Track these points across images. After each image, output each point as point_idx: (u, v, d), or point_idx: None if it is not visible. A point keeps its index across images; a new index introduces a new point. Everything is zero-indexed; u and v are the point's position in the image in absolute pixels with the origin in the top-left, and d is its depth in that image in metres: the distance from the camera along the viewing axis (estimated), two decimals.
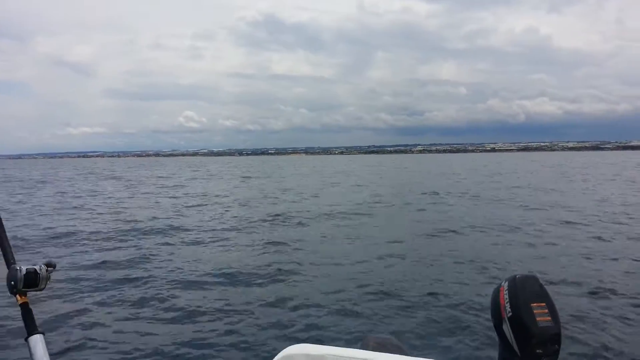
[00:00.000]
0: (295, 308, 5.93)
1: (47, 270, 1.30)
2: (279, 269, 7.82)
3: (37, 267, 1.29)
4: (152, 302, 6.31)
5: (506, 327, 1.28)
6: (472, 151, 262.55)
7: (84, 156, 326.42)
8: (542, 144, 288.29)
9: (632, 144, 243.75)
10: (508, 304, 1.29)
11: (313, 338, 4.98)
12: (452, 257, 8.46)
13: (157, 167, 73.58)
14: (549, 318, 1.25)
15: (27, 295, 1.29)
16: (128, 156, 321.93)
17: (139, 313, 5.94)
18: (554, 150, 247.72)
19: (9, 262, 1.31)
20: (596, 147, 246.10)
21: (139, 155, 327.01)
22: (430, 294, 6.40)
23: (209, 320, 5.59)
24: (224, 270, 7.79)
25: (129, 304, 6.26)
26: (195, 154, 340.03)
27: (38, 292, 1.30)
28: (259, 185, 28.69)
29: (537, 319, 1.24)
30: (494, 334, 1.34)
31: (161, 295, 6.55)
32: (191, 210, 15.96)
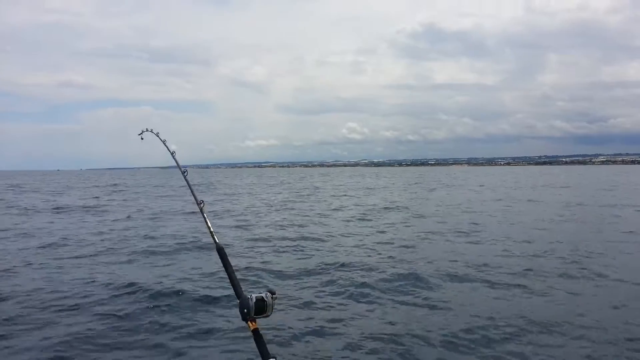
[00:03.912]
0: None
1: (272, 298, 1.44)
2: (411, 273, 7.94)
3: (264, 295, 1.43)
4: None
5: None
6: None
7: (258, 166, 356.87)
8: None
9: None
10: None
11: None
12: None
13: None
14: None
15: (257, 321, 1.41)
16: (296, 166, 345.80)
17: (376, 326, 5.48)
18: None
19: (239, 292, 1.50)
20: None
21: (305, 166, 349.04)
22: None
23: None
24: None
25: (359, 317, 5.87)
26: (356, 164, 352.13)
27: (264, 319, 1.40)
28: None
29: None
30: None
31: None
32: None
